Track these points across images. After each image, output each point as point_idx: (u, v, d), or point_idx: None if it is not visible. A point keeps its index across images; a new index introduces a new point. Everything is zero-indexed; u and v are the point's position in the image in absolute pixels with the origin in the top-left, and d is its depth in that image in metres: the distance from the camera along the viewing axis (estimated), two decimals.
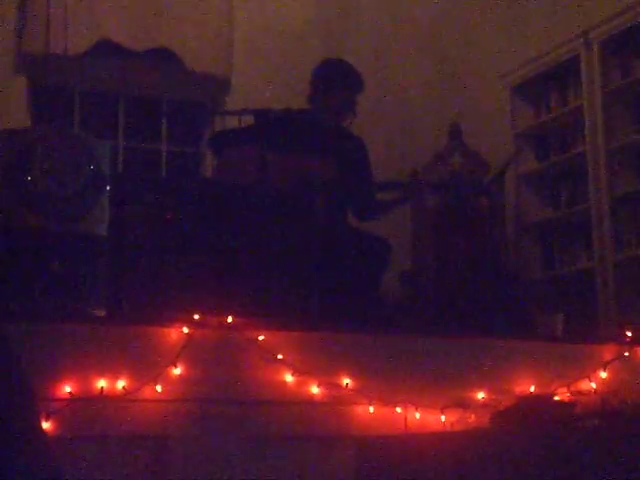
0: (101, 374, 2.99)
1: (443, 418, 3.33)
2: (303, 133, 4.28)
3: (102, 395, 2.98)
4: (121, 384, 3.01)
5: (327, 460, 3.21)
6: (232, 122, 4.35)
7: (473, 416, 3.34)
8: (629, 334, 3.74)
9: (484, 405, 3.37)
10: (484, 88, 6.23)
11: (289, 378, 3.21)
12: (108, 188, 3.48)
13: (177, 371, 3.08)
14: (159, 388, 3.05)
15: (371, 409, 3.28)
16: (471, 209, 5.15)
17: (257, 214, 3.77)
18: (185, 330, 3.12)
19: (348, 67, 4.48)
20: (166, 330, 3.13)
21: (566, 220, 5.65)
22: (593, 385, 3.57)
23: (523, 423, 3.15)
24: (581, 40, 5.45)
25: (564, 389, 3.51)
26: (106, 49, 5.70)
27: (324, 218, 3.88)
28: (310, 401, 3.23)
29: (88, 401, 2.96)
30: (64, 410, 2.91)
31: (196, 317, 3.17)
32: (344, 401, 3.27)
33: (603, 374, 3.61)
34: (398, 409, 3.31)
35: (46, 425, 2.81)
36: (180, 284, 3.47)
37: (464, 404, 3.37)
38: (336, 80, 4.38)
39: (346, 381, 3.27)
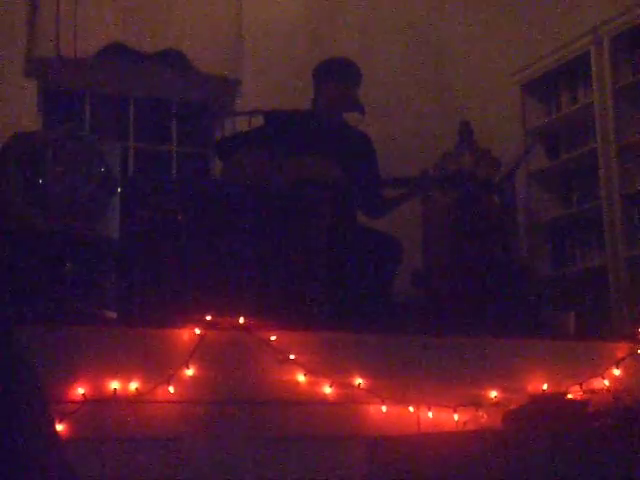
0: (114, 376, 3.00)
1: (456, 417, 3.32)
2: (309, 132, 4.28)
3: (115, 397, 2.98)
4: (134, 386, 3.02)
5: (339, 460, 3.20)
6: (242, 123, 4.35)
7: (486, 415, 3.33)
8: None
9: (497, 404, 3.37)
10: (494, 86, 6.22)
11: (301, 378, 3.21)
12: (119, 190, 3.49)
13: (190, 372, 3.08)
14: (172, 389, 3.05)
15: (384, 409, 3.28)
16: (482, 208, 5.14)
17: (267, 215, 3.77)
18: (197, 331, 3.13)
19: (342, 61, 4.44)
20: (178, 331, 3.13)
21: (577, 218, 5.64)
22: (606, 383, 3.55)
23: (535, 422, 3.14)
24: (591, 37, 5.44)
25: (577, 387, 3.50)
26: (116, 51, 5.71)
27: (334, 218, 3.87)
28: (323, 401, 3.23)
29: (101, 403, 2.97)
30: (77, 412, 2.91)
31: (208, 318, 3.17)
32: (356, 401, 3.27)
33: (616, 372, 3.59)
34: (410, 408, 3.31)
35: (60, 427, 2.82)
36: (192, 285, 3.48)
37: (477, 403, 3.36)
38: (330, 75, 4.36)
39: (358, 381, 3.27)
